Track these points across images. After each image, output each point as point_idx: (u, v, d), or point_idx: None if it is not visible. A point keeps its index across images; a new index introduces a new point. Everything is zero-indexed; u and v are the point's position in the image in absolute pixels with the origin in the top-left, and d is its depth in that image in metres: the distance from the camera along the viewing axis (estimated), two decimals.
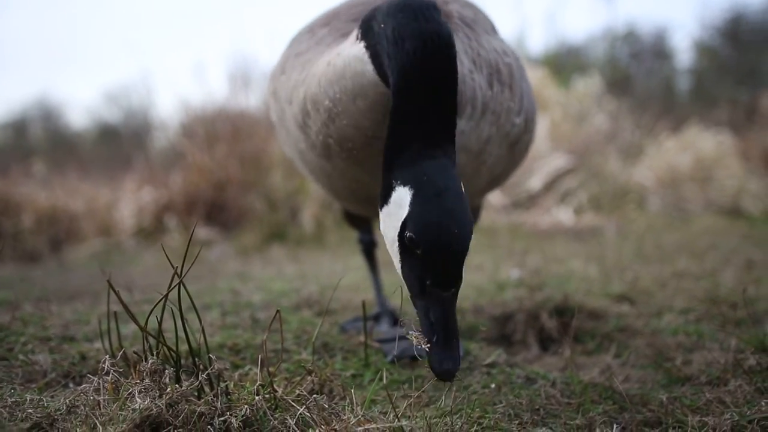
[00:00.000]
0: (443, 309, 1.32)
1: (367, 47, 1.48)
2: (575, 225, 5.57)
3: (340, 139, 1.61)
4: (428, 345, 1.33)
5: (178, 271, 1.42)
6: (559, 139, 6.57)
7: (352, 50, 1.52)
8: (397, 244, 1.36)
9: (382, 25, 1.43)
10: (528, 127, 1.89)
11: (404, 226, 1.33)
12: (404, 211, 1.33)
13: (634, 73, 14.69)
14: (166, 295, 1.39)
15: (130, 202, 6.04)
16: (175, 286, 1.38)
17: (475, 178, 1.83)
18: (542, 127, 6.54)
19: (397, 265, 1.40)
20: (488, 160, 1.80)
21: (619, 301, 2.77)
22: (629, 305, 2.73)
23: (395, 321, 2.21)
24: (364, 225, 2.30)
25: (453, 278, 1.32)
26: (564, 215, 5.78)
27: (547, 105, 7.07)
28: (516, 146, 1.87)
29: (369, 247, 2.33)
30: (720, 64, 15.71)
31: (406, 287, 1.40)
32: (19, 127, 17.57)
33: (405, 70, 1.35)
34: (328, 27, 1.78)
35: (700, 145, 7.35)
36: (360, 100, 1.52)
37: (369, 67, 1.48)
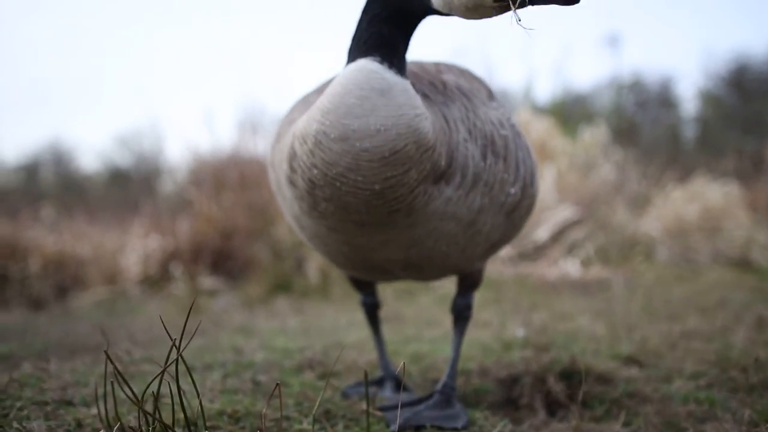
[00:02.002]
0: None
1: None
2: (582, 277, 5.52)
3: (325, 166, 1.58)
4: None
5: (176, 343, 1.40)
6: (565, 190, 6.57)
7: None
8: None
9: None
10: (526, 193, 1.90)
11: None
12: None
13: (640, 121, 14.80)
14: (164, 371, 1.37)
15: (136, 248, 6.04)
16: (172, 363, 1.36)
17: (470, 246, 1.84)
18: (549, 178, 6.55)
19: None
20: (483, 229, 1.81)
21: (628, 364, 2.72)
22: (638, 368, 2.67)
23: (399, 386, 2.17)
24: (367, 288, 2.28)
25: None
26: (571, 267, 5.73)
27: (554, 155, 7.09)
28: (513, 213, 1.88)
29: (372, 310, 2.31)
30: (725, 113, 15.82)
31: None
32: (30, 170, 17.79)
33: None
34: (320, 94, 1.80)
35: (708, 196, 7.33)
36: None
37: None
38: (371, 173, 1.54)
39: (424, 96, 1.70)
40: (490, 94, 1.96)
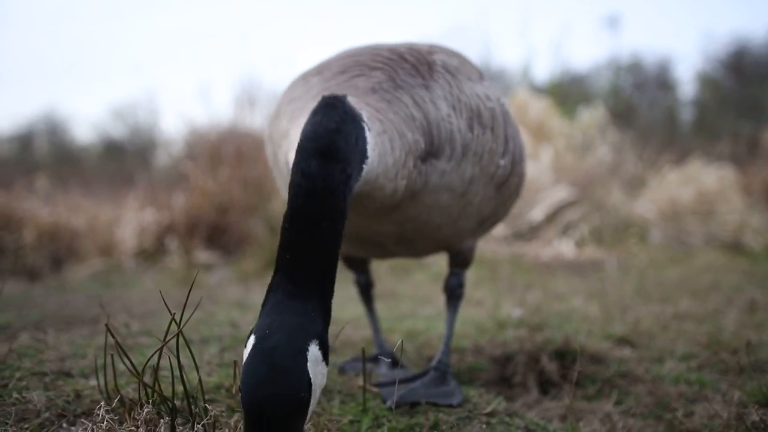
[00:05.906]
0: None
1: None
2: (576, 258, 5.55)
3: None
4: None
5: (177, 318, 1.40)
6: (561, 171, 6.58)
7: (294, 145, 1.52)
8: None
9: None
10: (515, 170, 1.95)
11: None
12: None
13: (637, 103, 14.77)
14: (164, 344, 1.38)
15: (131, 221, 6.03)
16: (173, 337, 1.37)
17: (462, 218, 1.88)
18: (545, 158, 6.56)
19: None
20: (474, 200, 1.86)
21: (620, 344, 2.75)
22: (630, 349, 2.70)
23: (395, 363, 2.19)
24: (360, 266, 2.30)
25: None
26: (565, 248, 5.76)
27: (551, 135, 7.09)
28: (503, 187, 1.93)
29: (366, 288, 2.32)
30: (723, 97, 15.79)
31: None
32: (24, 141, 17.65)
33: (285, 214, 1.34)
34: (319, 75, 1.83)
35: (702, 179, 7.35)
36: None
37: None
38: None
39: (397, 87, 1.71)
40: (481, 75, 1.99)
